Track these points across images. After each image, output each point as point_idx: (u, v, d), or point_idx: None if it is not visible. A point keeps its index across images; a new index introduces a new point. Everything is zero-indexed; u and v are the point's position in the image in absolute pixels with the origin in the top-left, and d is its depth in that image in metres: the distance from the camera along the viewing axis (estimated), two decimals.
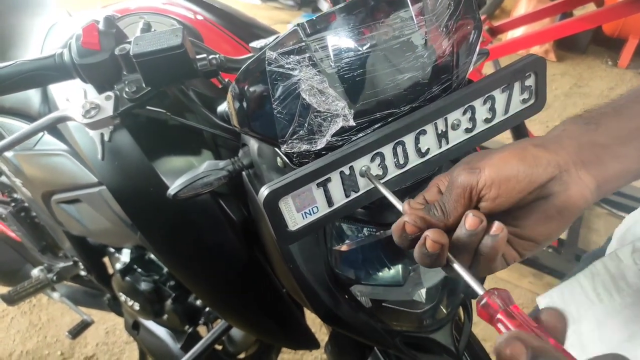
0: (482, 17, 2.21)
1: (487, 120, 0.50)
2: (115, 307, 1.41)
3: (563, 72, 3.48)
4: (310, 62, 0.43)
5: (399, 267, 0.62)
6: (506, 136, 2.05)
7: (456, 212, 0.40)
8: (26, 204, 1.33)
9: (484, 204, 0.40)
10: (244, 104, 0.47)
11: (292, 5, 4.56)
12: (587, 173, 0.41)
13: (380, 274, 0.63)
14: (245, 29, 0.96)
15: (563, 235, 2.13)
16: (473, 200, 0.41)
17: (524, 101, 0.51)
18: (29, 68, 0.61)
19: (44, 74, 0.61)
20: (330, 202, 0.47)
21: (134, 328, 1.28)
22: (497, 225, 0.38)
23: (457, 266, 0.39)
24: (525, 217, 0.42)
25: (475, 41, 0.50)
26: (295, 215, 0.46)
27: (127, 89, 0.58)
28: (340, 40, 0.44)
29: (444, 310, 0.69)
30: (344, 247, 0.61)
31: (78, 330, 1.49)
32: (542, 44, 3.50)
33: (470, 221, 0.38)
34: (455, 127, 0.48)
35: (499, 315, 0.34)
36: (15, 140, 0.60)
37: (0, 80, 0.60)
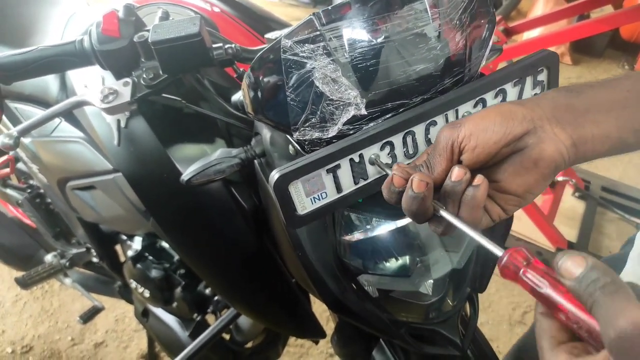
0: (498, 18, 2.20)
1: None
2: (126, 294, 1.43)
3: (579, 75, 3.45)
4: (325, 51, 0.44)
5: (407, 258, 0.63)
6: None
7: (440, 166, 0.43)
8: (42, 191, 1.35)
9: (465, 156, 0.43)
10: (258, 92, 0.48)
11: (307, 2, 4.57)
12: (562, 130, 0.43)
13: (387, 264, 0.64)
14: (261, 22, 0.97)
15: (573, 239, 2.12)
16: (455, 152, 0.43)
17: (536, 95, 0.51)
18: (50, 53, 0.62)
19: (64, 59, 0.63)
20: (339, 189, 0.48)
21: (144, 315, 1.30)
22: (478, 177, 0.42)
23: (444, 213, 0.42)
24: (504, 170, 0.44)
25: (488, 35, 0.50)
26: (305, 199, 0.47)
27: (144, 76, 0.60)
28: (354, 30, 0.44)
29: (451, 303, 0.70)
30: (352, 237, 0.62)
31: (89, 316, 1.52)
32: (557, 46, 3.47)
33: (456, 172, 0.42)
34: None
35: (521, 274, 0.35)
36: (35, 123, 0.62)
37: (23, 65, 0.62)
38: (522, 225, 2.05)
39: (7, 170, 0.59)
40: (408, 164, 0.47)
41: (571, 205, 2.31)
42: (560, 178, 2.23)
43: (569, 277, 0.32)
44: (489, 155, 0.43)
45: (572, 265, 0.32)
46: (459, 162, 0.44)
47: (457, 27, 0.47)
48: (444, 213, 0.42)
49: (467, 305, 0.75)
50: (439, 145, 0.44)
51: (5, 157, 0.59)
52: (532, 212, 1.97)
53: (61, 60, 0.63)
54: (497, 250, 0.37)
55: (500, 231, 0.68)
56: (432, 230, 0.45)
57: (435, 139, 0.45)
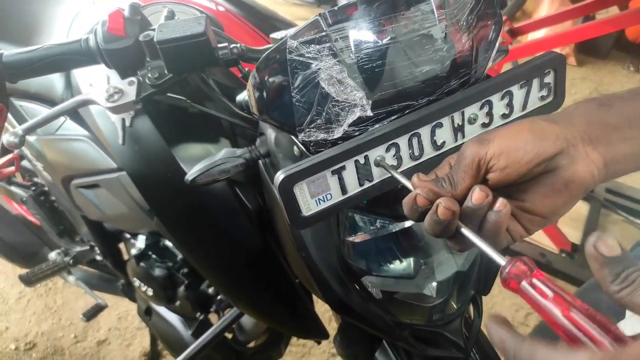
0: (503, 19, 2.19)
1: (504, 116, 0.50)
2: (129, 292, 1.43)
3: (583, 76, 3.44)
4: (330, 52, 0.44)
5: (411, 259, 0.63)
6: None
7: (464, 183, 0.41)
8: (46, 188, 1.35)
9: (493, 175, 0.41)
10: (264, 92, 0.48)
11: (311, 2, 4.57)
12: (595, 150, 0.41)
13: (391, 265, 0.63)
14: (265, 22, 0.97)
15: (577, 241, 2.11)
16: (481, 170, 0.41)
17: (542, 98, 0.51)
18: (55, 52, 0.62)
19: (69, 58, 0.63)
20: (344, 190, 0.47)
21: (147, 313, 1.30)
22: (500, 201, 0.39)
23: (466, 231, 0.40)
24: (532, 190, 0.42)
25: (495, 37, 0.50)
26: (309, 201, 0.47)
27: (149, 75, 0.60)
28: (360, 31, 0.44)
29: (454, 305, 0.69)
30: (356, 238, 0.62)
31: (92, 314, 1.52)
32: (562, 47, 3.46)
33: (476, 195, 0.39)
34: (472, 121, 0.48)
35: (534, 280, 0.34)
36: (40, 121, 0.62)
37: (29, 63, 0.62)
38: None
39: (12, 168, 0.59)
40: (429, 177, 0.44)
41: (576, 207, 2.28)
42: None
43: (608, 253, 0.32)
44: (519, 176, 0.41)
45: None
46: (485, 181, 0.42)
47: (464, 29, 0.47)
48: (465, 232, 0.40)
49: (471, 308, 0.75)
50: (464, 161, 0.41)
51: (10, 156, 0.59)
52: None
53: (67, 59, 0.63)
54: (501, 260, 0.37)
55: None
56: (450, 246, 0.44)
57: (460, 152, 0.43)
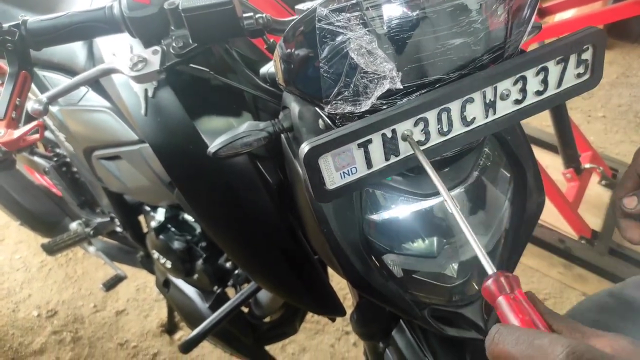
0: None
1: (538, 93, 0.48)
2: (148, 264, 1.45)
3: (611, 60, 3.33)
4: (361, 21, 0.43)
5: (434, 239, 0.62)
6: (545, 122, 1.99)
7: None
8: (68, 159, 1.37)
9: None
10: (291, 63, 0.47)
11: None
12: None
13: (414, 244, 0.63)
14: None
15: (598, 228, 2.08)
16: None
17: (579, 75, 0.49)
18: (79, 19, 0.62)
19: (93, 25, 0.62)
20: (369, 164, 0.47)
21: (165, 285, 1.32)
22: None
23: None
24: None
25: (530, 11, 0.48)
26: (334, 174, 0.46)
27: (174, 44, 0.59)
28: (392, 0, 0.43)
29: (475, 286, 0.68)
30: (378, 216, 0.61)
31: (112, 284, 1.55)
32: None
33: None
34: (504, 97, 0.47)
35: (500, 299, 0.35)
36: (64, 90, 0.61)
37: (53, 30, 0.61)
38: (546, 212, 1.99)
39: (37, 136, 0.60)
40: None
41: (597, 193, 2.26)
42: (587, 165, 2.17)
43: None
44: None
45: None
46: None
47: (499, 0, 0.45)
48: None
49: None
50: None
51: (35, 123, 0.59)
52: (556, 199, 1.93)
53: (90, 27, 0.62)
54: (489, 268, 0.37)
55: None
56: None
57: None
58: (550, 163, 2.16)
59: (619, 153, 2.55)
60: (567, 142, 2.04)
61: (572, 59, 0.47)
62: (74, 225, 1.48)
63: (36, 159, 1.40)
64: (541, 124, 2.43)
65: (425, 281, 0.66)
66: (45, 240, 1.58)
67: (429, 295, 0.67)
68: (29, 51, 0.65)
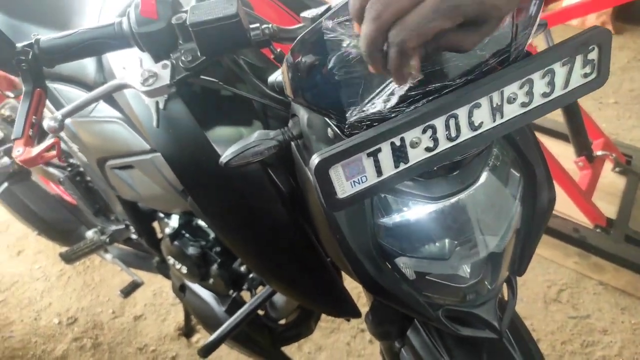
0: None
1: (545, 95, 0.48)
2: (163, 269, 1.47)
3: (621, 45, 3.29)
4: None
5: (445, 241, 0.63)
6: (556, 111, 1.98)
7: None
8: (82, 169, 1.39)
9: None
10: (299, 74, 0.47)
11: None
12: None
13: (425, 247, 0.63)
14: (295, 1, 0.96)
15: (613, 215, 2.06)
16: None
17: (585, 75, 0.49)
18: (90, 36, 0.63)
19: (103, 42, 0.63)
20: (379, 172, 0.47)
21: (181, 290, 1.34)
22: None
23: None
24: None
25: (535, 12, 0.48)
26: (345, 183, 0.47)
27: (183, 58, 0.60)
28: None
29: (489, 286, 0.69)
30: (390, 220, 0.62)
31: (129, 290, 1.57)
32: (599, 13, 3.31)
33: None
34: (511, 100, 0.47)
35: None
36: (79, 106, 0.63)
37: (65, 48, 0.63)
38: (559, 200, 1.98)
39: (54, 152, 0.61)
40: None
41: (611, 180, 2.24)
42: (599, 152, 2.15)
43: None
44: None
45: None
46: None
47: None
48: None
49: (506, 289, 0.74)
50: None
51: (52, 141, 0.61)
52: (569, 188, 1.91)
53: (101, 43, 0.64)
54: None
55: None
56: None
57: None
58: (562, 152, 2.14)
59: (633, 139, 2.52)
60: (577, 130, 2.02)
61: (579, 60, 0.48)
62: (90, 234, 1.50)
63: (50, 169, 1.42)
64: (552, 113, 2.41)
65: (438, 282, 0.67)
66: (63, 249, 1.60)
67: (443, 296, 0.68)
68: (42, 69, 0.66)
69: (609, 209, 2.09)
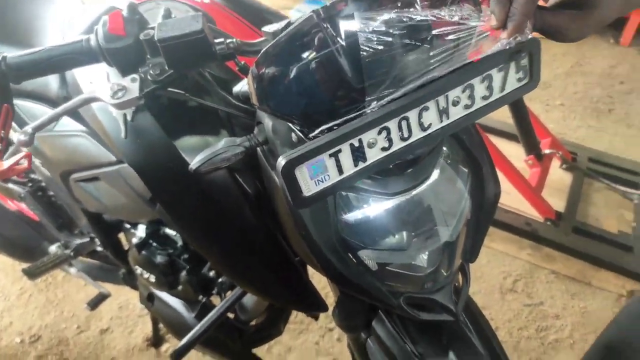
0: None
1: (484, 98, 0.54)
2: (130, 280, 1.47)
3: (565, 51, 3.48)
4: (324, 44, 0.48)
5: (403, 233, 0.68)
6: (506, 114, 2.09)
7: None
8: (43, 184, 1.38)
9: None
10: (264, 84, 0.52)
11: None
12: None
13: (385, 239, 0.68)
14: (253, 13, 1.00)
15: (561, 209, 2.19)
16: None
17: (519, 80, 0.55)
18: (58, 53, 0.65)
19: (72, 58, 0.65)
20: (340, 171, 0.52)
21: (149, 300, 1.34)
22: None
23: None
24: None
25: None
26: (309, 182, 0.51)
27: (151, 72, 0.63)
28: (351, 23, 0.48)
29: (445, 273, 0.74)
30: (351, 215, 0.66)
31: (96, 302, 1.56)
32: None
33: None
34: (455, 103, 0.53)
35: None
36: (49, 119, 0.65)
37: (33, 64, 0.64)
38: (511, 198, 2.10)
39: (25, 165, 0.63)
40: None
41: (559, 177, 2.38)
42: (547, 150, 2.29)
43: None
44: None
45: None
46: None
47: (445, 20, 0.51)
48: None
49: (460, 275, 0.80)
50: None
51: (23, 153, 0.63)
52: (520, 185, 2.03)
53: (69, 59, 0.66)
54: None
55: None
56: None
57: None
58: (513, 152, 2.26)
59: (578, 137, 2.69)
60: (526, 130, 2.14)
61: (512, 66, 0.54)
62: (53, 248, 1.49)
63: (10, 185, 1.40)
64: (501, 111, 2.54)
65: (398, 272, 0.72)
66: (21, 268, 1.57)
67: (403, 284, 0.73)
68: (9, 85, 0.67)
69: (558, 203, 2.22)
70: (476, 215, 0.73)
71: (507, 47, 0.52)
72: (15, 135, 0.64)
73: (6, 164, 0.61)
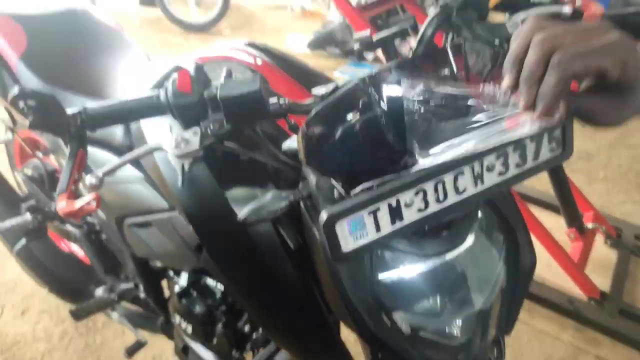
0: None
1: (518, 165, 0.57)
2: (167, 330, 1.50)
3: None
4: (370, 109, 0.53)
5: (437, 297, 0.69)
6: (548, 185, 2.07)
7: None
8: (97, 227, 1.46)
9: None
10: (312, 143, 0.56)
11: (338, 54, 4.81)
12: None
13: (419, 302, 0.69)
14: (300, 73, 1.07)
15: (606, 288, 2.09)
16: None
17: (552, 150, 0.58)
18: (131, 105, 0.72)
19: (142, 110, 0.73)
20: (378, 229, 0.55)
21: (184, 352, 1.36)
22: None
23: None
24: None
25: None
26: (348, 237, 0.54)
27: (211, 126, 0.69)
28: (395, 90, 0.53)
29: (478, 344, 0.74)
30: (386, 275, 0.68)
31: (133, 350, 1.59)
32: None
33: None
34: (489, 169, 0.56)
35: None
36: (119, 165, 0.71)
37: (108, 114, 0.72)
38: (552, 272, 2.03)
39: (94, 205, 0.69)
40: None
41: (603, 254, 2.29)
42: (590, 225, 2.22)
43: None
44: None
45: None
46: None
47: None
48: None
49: (495, 349, 0.79)
50: None
51: (93, 195, 0.69)
52: (561, 259, 1.96)
53: (140, 111, 0.73)
54: None
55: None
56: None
57: None
58: (554, 224, 2.21)
59: (623, 213, 2.59)
60: (567, 201, 2.10)
61: (545, 137, 0.57)
62: (99, 291, 1.55)
63: (67, 227, 1.49)
64: (544, 186, 2.50)
65: (431, 340, 0.72)
66: (67, 307, 1.63)
67: (436, 353, 0.73)
68: (86, 132, 0.75)
69: (603, 281, 2.12)
70: (511, 284, 0.74)
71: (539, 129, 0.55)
72: (88, 178, 0.71)
73: (77, 204, 0.67)
